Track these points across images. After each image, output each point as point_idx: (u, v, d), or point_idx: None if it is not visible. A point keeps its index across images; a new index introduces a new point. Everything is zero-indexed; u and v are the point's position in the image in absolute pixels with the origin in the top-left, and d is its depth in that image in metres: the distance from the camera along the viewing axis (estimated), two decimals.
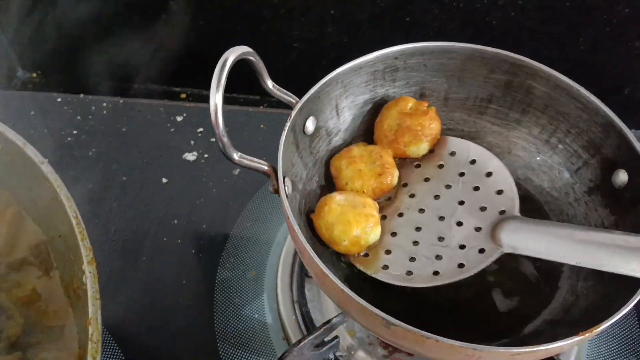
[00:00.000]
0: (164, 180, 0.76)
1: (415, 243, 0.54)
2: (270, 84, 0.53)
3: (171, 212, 0.72)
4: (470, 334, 0.45)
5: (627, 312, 0.44)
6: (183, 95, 0.91)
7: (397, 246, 0.54)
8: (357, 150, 0.58)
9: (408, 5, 0.79)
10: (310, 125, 0.57)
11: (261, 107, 0.87)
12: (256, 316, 0.63)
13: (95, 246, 0.45)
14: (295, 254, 0.66)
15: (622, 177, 0.53)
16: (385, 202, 0.57)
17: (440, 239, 0.53)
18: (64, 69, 0.87)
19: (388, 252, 0.54)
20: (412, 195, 0.57)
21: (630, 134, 0.52)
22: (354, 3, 0.79)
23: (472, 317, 0.54)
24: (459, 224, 0.54)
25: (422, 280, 0.51)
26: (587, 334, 0.43)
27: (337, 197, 0.54)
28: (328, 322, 0.53)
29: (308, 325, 0.60)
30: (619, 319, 0.43)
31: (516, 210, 0.53)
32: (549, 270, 0.55)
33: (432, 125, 0.58)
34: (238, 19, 0.83)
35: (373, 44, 0.59)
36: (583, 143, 0.57)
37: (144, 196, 0.74)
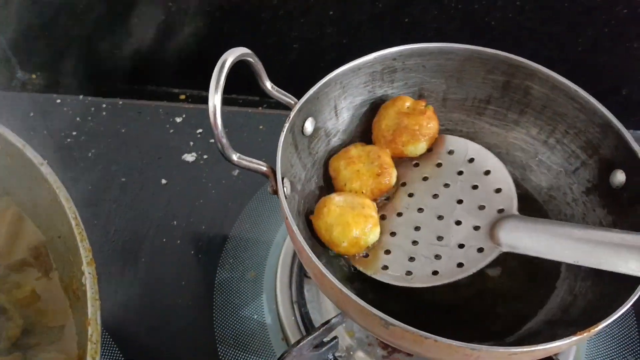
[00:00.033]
0: (164, 181, 0.76)
1: (415, 243, 0.54)
2: (269, 85, 0.53)
3: (170, 213, 0.72)
4: (469, 334, 0.45)
5: (625, 311, 0.44)
6: (182, 97, 0.91)
7: (397, 246, 0.54)
8: (355, 150, 0.59)
9: (407, 6, 0.79)
10: (309, 126, 0.57)
11: (260, 108, 0.87)
12: (255, 317, 0.63)
13: (95, 247, 0.45)
14: (294, 254, 0.66)
15: (619, 177, 0.53)
16: (384, 201, 0.58)
17: (439, 238, 0.53)
18: (64, 71, 0.87)
19: (387, 252, 0.54)
20: (410, 195, 0.57)
21: (627, 134, 0.53)
22: (353, 4, 0.80)
23: (471, 317, 0.54)
24: (458, 223, 0.54)
25: (421, 280, 0.51)
26: (585, 334, 0.43)
27: (335, 199, 0.54)
28: (327, 322, 0.53)
29: (307, 325, 0.60)
30: (616, 318, 0.43)
31: (514, 209, 0.53)
32: (547, 270, 0.55)
33: (430, 125, 0.58)
34: (237, 20, 0.83)
35: (372, 44, 0.59)
36: (581, 143, 0.57)
37: (144, 197, 0.74)
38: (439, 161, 0.59)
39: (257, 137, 0.81)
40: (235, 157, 0.48)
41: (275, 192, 0.50)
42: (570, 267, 0.54)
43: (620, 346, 0.61)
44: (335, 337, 0.55)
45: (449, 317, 0.54)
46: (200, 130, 0.81)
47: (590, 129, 0.56)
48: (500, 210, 0.53)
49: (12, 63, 0.92)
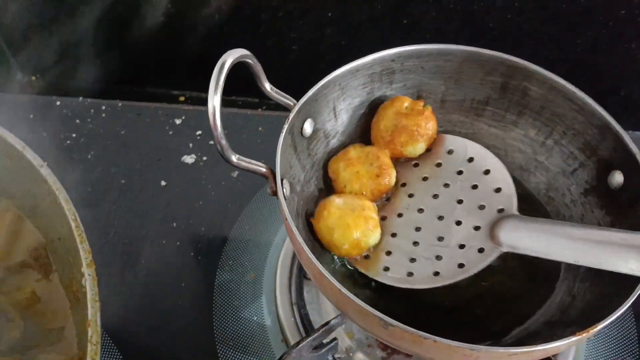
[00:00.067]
0: (163, 183, 0.76)
1: (415, 243, 0.54)
2: (268, 86, 0.53)
3: (170, 214, 0.72)
4: (469, 334, 0.45)
5: (624, 312, 0.44)
6: (182, 98, 0.91)
7: (397, 247, 0.54)
8: (354, 152, 0.59)
9: (406, 8, 0.79)
10: (308, 127, 0.57)
11: (259, 109, 0.88)
12: (255, 318, 0.63)
13: (95, 249, 0.45)
14: (293, 256, 0.66)
15: (618, 178, 0.53)
16: (384, 202, 0.58)
17: (440, 238, 0.53)
18: (63, 73, 0.87)
19: (388, 253, 0.54)
20: (410, 195, 0.57)
21: (626, 135, 0.53)
22: (352, 5, 0.80)
23: (470, 317, 0.54)
24: (458, 223, 0.54)
25: (422, 281, 0.51)
26: (584, 334, 0.43)
27: (335, 201, 0.54)
28: (326, 324, 0.53)
29: (307, 327, 0.61)
30: (615, 319, 0.43)
31: (514, 209, 0.53)
32: (547, 271, 0.55)
33: (429, 125, 0.58)
34: (236, 21, 0.84)
35: (371, 45, 0.59)
36: (579, 145, 0.57)
37: (143, 199, 0.74)
38: (439, 161, 0.59)
39: (257, 138, 0.81)
40: (234, 158, 0.48)
41: (275, 193, 0.50)
42: (570, 267, 0.54)
43: (619, 347, 0.61)
44: (334, 339, 0.55)
45: (448, 317, 0.54)
46: (199, 132, 0.81)
47: (588, 130, 0.56)
48: (500, 210, 0.53)
49: (11, 65, 0.92)
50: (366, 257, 0.54)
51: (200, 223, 0.72)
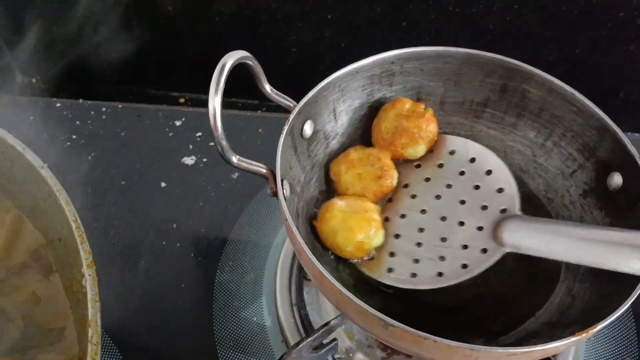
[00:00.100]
0: (163, 184, 0.76)
1: (419, 244, 0.54)
2: (268, 88, 0.53)
3: (170, 215, 0.72)
4: (468, 334, 0.45)
5: (623, 313, 0.44)
6: (182, 100, 0.92)
7: (401, 248, 0.54)
8: (355, 154, 0.59)
9: (405, 9, 0.79)
10: (308, 128, 0.57)
11: (259, 111, 0.88)
12: (255, 319, 0.63)
13: (95, 250, 0.45)
14: (293, 257, 0.66)
15: (616, 179, 0.54)
16: (387, 203, 0.58)
17: (443, 239, 0.54)
18: (63, 74, 0.87)
19: (392, 254, 0.54)
20: (413, 196, 0.57)
21: (624, 137, 0.53)
22: (352, 7, 0.80)
23: (470, 317, 0.54)
24: (461, 223, 0.54)
25: (426, 282, 0.52)
26: (583, 334, 0.43)
27: (338, 203, 0.54)
28: (326, 324, 0.53)
29: (307, 327, 0.61)
30: (615, 319, 0.44)
31: (517, 209, 0.53)
32: (546, 272, 0.55)
33: (429, 127, 0.58)
34: (236, 24, 0.84)
35: (371, 47, 0.59)
36: (578, 146, 0.57)
37: (143, 200, 0.74)
38: (441, 162, 0.59)
39: (257, 140, 0.81)
40: (235, 159, 0.48)
41: (275, 194, 0.50)
42: (570, 268, 0.54)
43: (618, 347, 0.61)
44: (334, 339, 0.55)
45: (448, 318, 0.54)
46: (199, 134, 0.82)
47: (587, 132, 0.56)
48: (503, 210, 0.53)
49: (12, 67, 0.92)
50: (370, 258, 0.54)
51: (200, 224, 0.72)
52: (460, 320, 0.54)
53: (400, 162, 0.60)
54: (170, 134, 0.82)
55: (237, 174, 0.76)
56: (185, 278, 0.67)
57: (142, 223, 0.72)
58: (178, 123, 0.83)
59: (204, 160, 0.79)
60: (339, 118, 0.61)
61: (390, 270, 0.53)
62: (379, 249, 0.54)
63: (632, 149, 0.52)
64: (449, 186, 0.57)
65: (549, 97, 0.58)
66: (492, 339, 0.51)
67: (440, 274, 0.51)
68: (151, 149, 0.80)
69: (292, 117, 0.54)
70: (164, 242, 0.70)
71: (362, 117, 0.62)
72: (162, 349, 0.61)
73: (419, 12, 0.79)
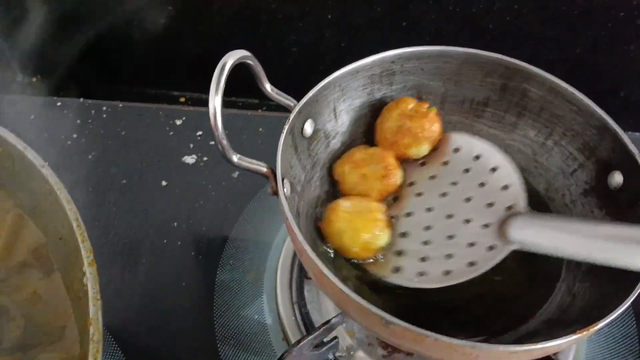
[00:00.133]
0: (164, 183, 0.76)
1: (425, 243, 0.54)
2: (268, 87, 0.53)
3: (171, 214, 0.73)
4: (469, 333, 0.45)
5: (624, 311, 0.44)
6: (182, 99, 0.92)
7: (408, 247, 0.54)
8: (359, 153, 0.59)
9: (405, 9, 0.79)
10: (308, 128, 0.57)
11: (260, 110, 0.88)
12: (256, 317, 0.63)
13: (95, 249, 0.45)
14: (294, 255, 0.66)
15: (617, 178, 0.54)
16: (393, 202, 0.58)
17: (450, 237, 0.53)
18: (64, 74, 0.87)
19: (399, 253, 0.54)
20: (419, 194, 0.57)
21: (624, 136, 0.53)
22: (352, 7, 0.80)
23: (470, 317, 0.54)
24: (467, 221, 0.54)
25: (434, 280, 0.51)
26: (584, 333, 0.43)
27: (343, 204, 0.55)
28: (327, 322, 0.53)
29: (307, 326, 0.61)
30: (615, 318, 0.44)
31: (523, 206, 0.53)
32: (547, 271, 0.55)
33: (433, 127, 0.58)
34: (236, 23, 0.84)
35: (371, 47, 0.60)
36: (578, 145, 0.57)
37: (144, 199, 0.74)
38: (446, 159, 0.59)
39: (257, 139, 0.81)
40: (235, 158, 0.48)
41: (275, 193, 0.50)
42: (570, 267, 0.54)
43: (619, 346, 0.61)
44: (335, 337, 0.55)
45: (448, 317, 0.54)
46: (200, 133, 0.82)
47: (587, 131, 0.56)
48: (509, 207, 0.53)
49: (12, 66, 0.92)
50: (377, 258, 0.54)
51: (201, 223, 0.72)
52: (460, 320, 0.54)
53: (406, 161, 0.59)
54: (171, 133, 0.82)
55: (237, 173, 0.76)
56: (186, 277, 0.67)
57: (143, 222, 0.72)
58: (178, 122, 0.83)
59: (205, 159, 0.79)
60: (340, 117, 0.61)
61: (397, 269, 0.53)
62: (386, 248, 0.54)
63: (633, 148, 0.52)
64: (454, 184, 0.57)
65: (549, 97, 0.58)
66: (492, 338, 0.51)
67: (447, 272, 0.51)
68: (152, 148, 0.80)
69: (292, 116, 0.54)
70: (165, 241, 0.70)
71: (363, 116, 0.62)
72: (163, 347, 0.61)
73: (419, 12, 0.79)
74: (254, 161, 0.50)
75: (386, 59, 0.59)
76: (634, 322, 0.63)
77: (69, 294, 0.50)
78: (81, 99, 0.86)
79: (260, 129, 0.82)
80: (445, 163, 0.58)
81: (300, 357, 0.52)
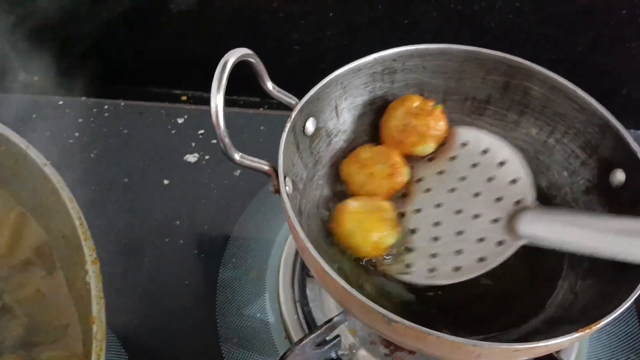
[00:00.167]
0: (166, 181, 0.76)
1: (435, 239, 0.54)
2: (270, 85, 0.53)
3: (173, 213, 0.73)
4: (470, 332, 0.45)
5: (627, 309, 0.44)
6: (184, 98, 0.92)
7: (418, 244, 0.54)
8: (365, 153, 0.59)
9: (406, 8, 0.79)
10: (310, 126, 0.57)
11: (261, 109, 0.88)
12: (258, 316, 0.63)
13: (98, 248, 0.45)
14: (296, 253, 0.66)
15: (619, 176, 0.54)
16: (402, 198, 0.58)
17: (459, 233, 0.53)
18: (66, 73, 0.87)
19: (409, 250, 0.54)
20: (427, 190, 0.57)
21: (626, 134, 0.53)
22: (353, 6, 0.80)
23: (471, 316, 0.54)
24: (476, 216, 0.54)
25: (444, 277, 0.51)
26: (586, 331, 0.43)
27: (352, 205, 0.55)
28: (329, 321, 0.53)
29: (310, 324, 0.61)
30: (618, 316, 0.44)
31: (531, 200, 0.53)
32: (549, 269, 0.55)
33: (438, 125, 0.58)
34: (238, 22, 0.84)
35: (372, 46, 0.59)
36: (580, 143, 0.57)
37: (146, 198, 0.74)
38: (453, 154, 0.59)
39: (259, 137, 0.81)
40: (237, 156, 0.48)
41: (277, 191, 0.50)
42: (572, 265, 0.54)
43: (622, 344, 0.61)
44: (337, 336, 0.55)
45: (449, 317, 0.54)
46: (201, 131, 0.82)
47: (589, 129, 0.56)
48: (518, 202, 0.53)
49: (14, 65, 0.92)
50: (388, 256, 0.54)
51: (203, 221, 0.72)
52: (461, 320, 0.54)
53: (414, 157, 0.59)
54: (173, 132, 0.82)
55: (239, 172, 0.77)
56: (188, 275, 0.67)
57: (145, 221, 0.72)
58: (180, 121, 0.83)
59: (207, 157, 0.79)
60: (341, 115, 0.61)
61: (407, 266, 0.53)
62: (396, 246, 0.54)
63: (635, 146, 0.52)
64: (462, 179, 0.57)
65: (551, 95, 0.58)
66: (495, 336, 0.51)
67: (457, 268, 0.51)
68: (153, 147, 0.80)
69: (294, 114, 0.54)
70: (167, 240, 0.70)
71: (365, 114, 0.62)
72: (166, 345, 0.61)
73: (420, 11, 0.79)
74: (256, 159, 0.50)
75: (388, 57, 0.59)
76: (636, 320, 0.63)
77: (72, 292, 0.51)
78: (83, 98, 0.86)
79: (262, 127, 0.82)
80: (453, 158, 0.58)
81: (303, 356, 0.52)
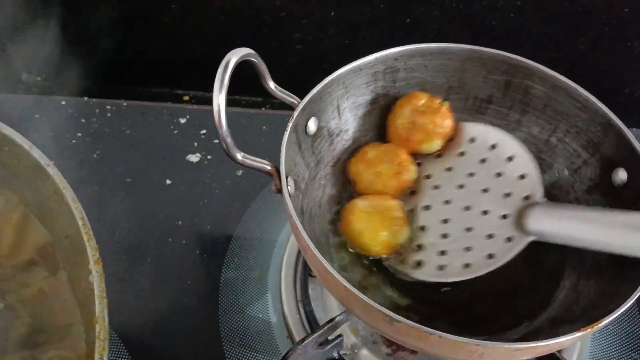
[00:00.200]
0: (168, 181, 0.76)
1: (444, 236, 0.54)
2: (272, 85, 0.54)
3: (175, 213, 0.73)
4: (471, 332, 0.45)
5: (628, 308, 0.44)
6: (186, 98, 0.92)
7: (427, 241, 0.54)
8: (372, 151, 0.59)
9: (407, 8, 0.79)
10: (312, 125, 0.57)
11: (263, 108, 0.88)
12: (260, 315, 0.63)
13: (100, 248, 0.45)
14: (298, 253, 0.66)
15: (621, 175, 0.54)
16: (411, 195, 0.58)
17: (468, 229, 0.53)
18: (68, 73, 0.88)
19: (418, 247, 0.54)
20: (436, 187, 0.57)
21: (629, 132, 0.53)
22: (354, 6, 0.80)
23: (472, 316, 0.54)
24: (485, 212, 0.54)
25: (454, 274, 0.52)
26: (588, 330, 0.43)
27: (361, 204, 0.55)
28: (331, 320, 0.53)
29: (312, 324, 0.61)
30: (619, 315, 0.44)
31: (540, 195, 0.53)
32: (551, 268, 0.55)
33: (445, 123, 0.58)
34: (240, 22, 0.84)
35: (373, 45, 0.60)
36: (582, 142, 0.57)
37: (148, 198, 0.74)
38: (462, 150, 0.59)
39: (261, 137, 0.81)
40: (239, 156, 0.48)
41: (279, 190, 0.51)
42: (574, 265, 0.54)
43: (624, 343, 0.61)
44: (339, 335, 0.55)
45: (450, 317, 0.54)
46: (204, 131, 0.82)
47: (591, 127, 0.56)
48: (526, 197, 0.53)
49: (17, 66, 0.92)
50: (397, 254, 0.54)
51: (205, 221, 0.72)
52: (462, 320, 0.54)
53: (422, 153, 0.60)
54: (175, 132, 0.82)
55: (241, 171, 0.77)
56: (191, 275, 0.67)
57: (147, 221, 0.72)
58: (182, 121, 0.83)
59: (209, 157, 0.79)
60: (343, 115, 0.61)
61: (417, 264, 0.53)
62: (405, 243, 0.54)
63: (637, 145, 0.52)
64: (471, 175, 0.57)
65: (553, 93, 0.58)
66: (496, 335, 0.51)
67: (467, 265, 0.51)
68: (156, 147, 0.80)
69: (296, 114, 0.54)
70: (169, 240, 0.70)
71: (367, 113, 0.62)
72: (168, 345, 0.61)
73: (421, 10, 0.79)
74: (258, 159, 0.50)
75: (389, 56, 0.59)
76: (638, 319, 0.63)
77: (75, 292, 0.51)
78: (85, 98, 0.86)
79: (264, 127, 0.82)
80: (462, 154, 0.58)
81: (305, 355, 0.52)
